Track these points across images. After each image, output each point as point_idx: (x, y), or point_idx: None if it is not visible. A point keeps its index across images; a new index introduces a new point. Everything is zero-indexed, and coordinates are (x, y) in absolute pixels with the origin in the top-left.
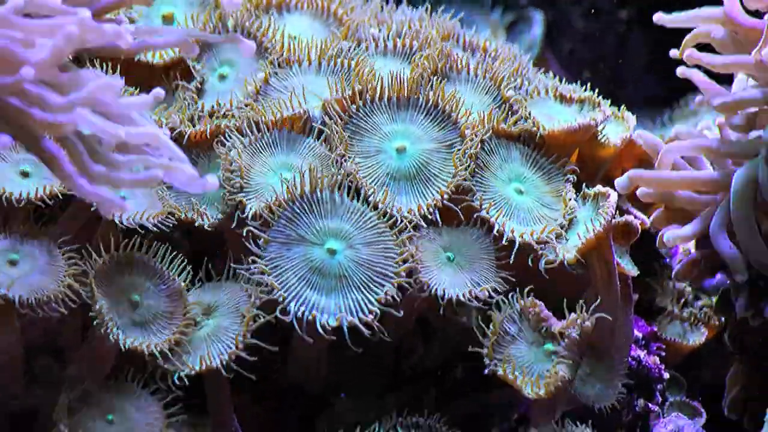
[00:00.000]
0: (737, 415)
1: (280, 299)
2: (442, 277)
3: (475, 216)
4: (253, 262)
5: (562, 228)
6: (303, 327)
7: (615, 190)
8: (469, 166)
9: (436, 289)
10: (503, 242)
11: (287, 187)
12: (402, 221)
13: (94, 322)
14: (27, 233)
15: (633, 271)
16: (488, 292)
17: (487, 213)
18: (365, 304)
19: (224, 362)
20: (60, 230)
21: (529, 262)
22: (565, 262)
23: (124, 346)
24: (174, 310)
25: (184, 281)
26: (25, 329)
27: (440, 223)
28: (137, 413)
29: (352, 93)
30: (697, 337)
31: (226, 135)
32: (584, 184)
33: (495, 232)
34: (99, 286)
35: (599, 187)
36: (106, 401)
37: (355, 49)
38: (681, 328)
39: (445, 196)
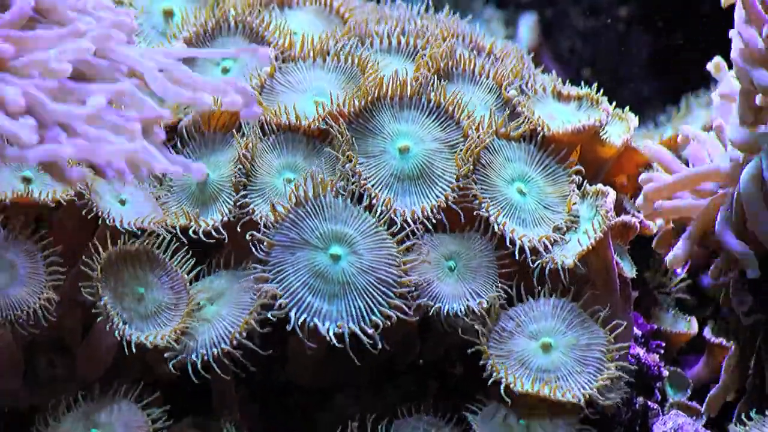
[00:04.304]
0: (712, 413)
1: (282, 306)
2: (443, 290)
3: (475, 214)
4: (256, 268)
5: (560, 231)
6: (305, 333)
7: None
8: (471, 165)
9: (432, 308)
10: (505, 247)
11: (291, 192)
12: (405, 229)
13: (98, 319)
14: (9, 237)
15: (631, 272)
16: (486, 303)
17: (487, 212)
18: (367, 312)
19: (217, 355)
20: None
21: (528, 263)
22: (566, 267)
23: (129, 343)
24: (178, 302)
25: (188, 273)
26: (27, 329)
27: (446, 225)
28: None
29: (357, 102)
30: (686, 326)
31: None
32: (584, 181)
33: (495, 232)
34: (103, 281)
35: (599, 186)
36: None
37: (358, 46)
38: (673, 318)
39: (450, 198)
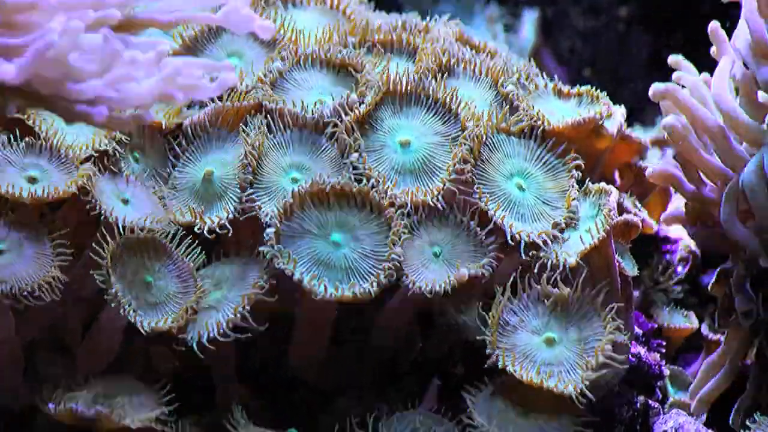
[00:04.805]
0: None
1: (290, 267)
2: (427, 275)
3: (475, 209)
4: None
5: (559, 227)
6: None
7: (615, 186)
8: (469, 157)
9: (420, 287)
10: (494, 234)
11: (294, 193)
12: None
13: (112, 305)
14: (17, 222)
15: (632, 271)
16: (468, 271)
17: (486, 205)
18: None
19: (222, 331)
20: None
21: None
22: (568, 265)
23: (144, 328)
24: (186, 290)
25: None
26: (27, 326)
27: (445, 209)
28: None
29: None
30: (685, 321)
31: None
32: (587, 179)
33: (492, 226)
34: (113, 268)
35: (602, 184)
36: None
37: (361, 46)
38: (669, 314)
39: (447, 184)
